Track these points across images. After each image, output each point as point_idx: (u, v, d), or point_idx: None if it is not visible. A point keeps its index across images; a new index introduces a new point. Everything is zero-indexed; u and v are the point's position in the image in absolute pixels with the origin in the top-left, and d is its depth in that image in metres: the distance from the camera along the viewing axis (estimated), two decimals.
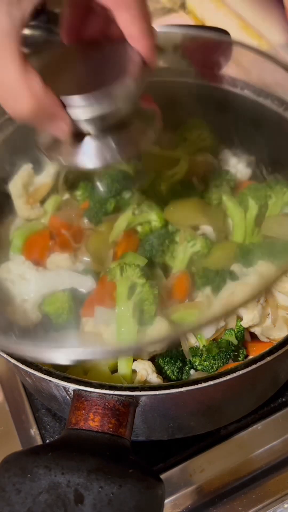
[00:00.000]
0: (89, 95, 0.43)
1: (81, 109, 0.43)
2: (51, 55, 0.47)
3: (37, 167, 0.71)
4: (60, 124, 0.42)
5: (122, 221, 0.59)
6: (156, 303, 0.53)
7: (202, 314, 0.54)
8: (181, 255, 0.57)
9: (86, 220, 0.61)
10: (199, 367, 0.53)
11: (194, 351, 0.53)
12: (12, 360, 0.47)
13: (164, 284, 0.57)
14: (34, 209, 0.68)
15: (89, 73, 0.45)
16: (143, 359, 0.53)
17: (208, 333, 0.53)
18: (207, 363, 0.52)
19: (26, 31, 0.40)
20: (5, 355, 0.47)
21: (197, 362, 0.52)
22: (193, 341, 0.55)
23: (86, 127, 0.46)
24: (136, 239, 0.59)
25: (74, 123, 0.44)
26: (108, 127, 0.47)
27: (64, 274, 0.60)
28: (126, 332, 0.52)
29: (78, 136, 0.47)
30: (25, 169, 0.69)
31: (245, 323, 0.53)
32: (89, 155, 0.48)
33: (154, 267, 0.57)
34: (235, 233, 0.60)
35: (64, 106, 0.42)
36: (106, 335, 0.54)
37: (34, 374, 0.46)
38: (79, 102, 0.43)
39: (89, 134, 0.47)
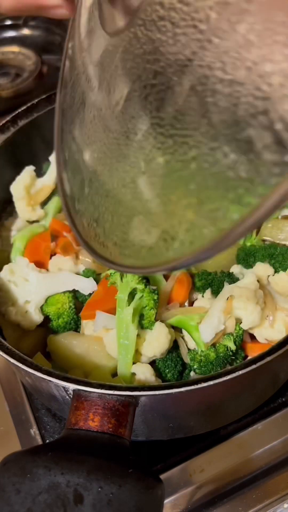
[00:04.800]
0: None
1: None
2: None
3: (39, 170, 0.71)
4: None
5: None
6: (156, 308, 0.53)
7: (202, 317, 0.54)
8: None
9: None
10: (197, 371, 0.53)
11: (193, 355, 0.53)
12: (12, 360, 0.47)
13: (164, 288, 0.57)
14: (35, 211, 0.68)
15: None
16: (142, 362, 0.53)
17: (207, 337, 0.53)
18: (205, 368, 0.52)
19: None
20: (5, 355, 0.47)
21: (195, 366, 0.53)
22: (191, 345, 0.55)
23: None
24: None
25: None
26: None
27: (65, 276, 0.60)
28: (125, 337, 0.52)
29: None
30: (27, 171, 0.69)
31: (244, 325, 0.53)
32: None
33: None
34: None
35: None
36: (106, 340, 0.54)
37: (34, 374, 0.46)
38: None
39: None
